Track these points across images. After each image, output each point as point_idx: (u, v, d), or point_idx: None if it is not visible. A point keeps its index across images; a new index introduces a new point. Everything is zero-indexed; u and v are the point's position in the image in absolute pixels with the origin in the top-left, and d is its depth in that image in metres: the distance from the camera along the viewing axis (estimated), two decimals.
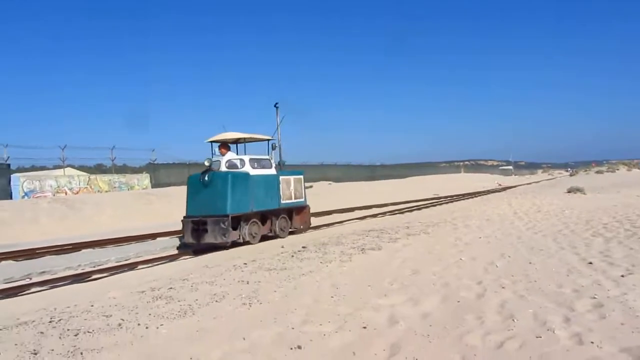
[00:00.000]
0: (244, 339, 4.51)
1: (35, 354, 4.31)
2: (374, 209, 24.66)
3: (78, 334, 4.82)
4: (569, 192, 22.27)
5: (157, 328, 4.95)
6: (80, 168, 33.41)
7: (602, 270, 6.36)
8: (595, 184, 29.82)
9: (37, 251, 12.68)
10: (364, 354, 4.07)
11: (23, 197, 26.25)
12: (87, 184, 30.24)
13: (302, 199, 14.87)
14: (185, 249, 12.64)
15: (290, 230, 14.43)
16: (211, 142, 13.51)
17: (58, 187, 28.51)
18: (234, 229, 12.02)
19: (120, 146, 38.48)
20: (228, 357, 4.15)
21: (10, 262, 11.55)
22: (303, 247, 9.90)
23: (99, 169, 34.80)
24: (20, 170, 29.83)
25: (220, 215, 11.83)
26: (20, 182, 26.83)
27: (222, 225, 11.68)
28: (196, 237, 12.05)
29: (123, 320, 5.22)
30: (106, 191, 30.36)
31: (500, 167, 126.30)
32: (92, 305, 5.94)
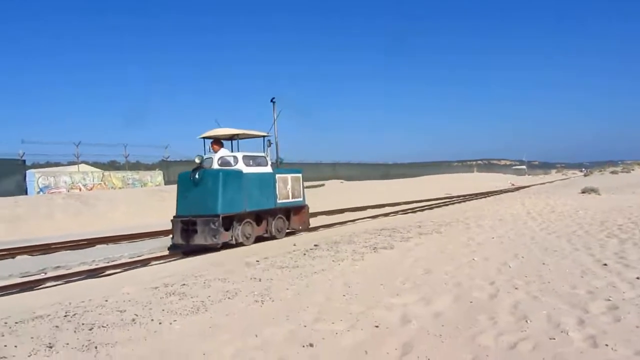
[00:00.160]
0: (256, 336, 4.53)
1: (51, 347, 4.37)
2: (386, 207, 24.62)
3: (92, 328, 4.87)
4: (583, 192, 22.05)
5: (171, 324, 4.99)
6: (94, 165, 33.76)
7: (617, 272, 6.29)
8: (610, 185, 29.50)
9: (52, 246, 12.85)
10: (376, 352, 4.08)
11: (38, 192, 26.57)
12: (101, 181, 30.54)
13: (301, 199, 14.25)
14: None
15: (287, 231, 13.89)
16: (204, 138, 12.94)
17: (72, 183, 28.82)
18: (226, 229, 11.47)
19: (133, 143, 38.69)
20: (240, 353, 4.17)
21: (26, 256, 11.72)
22: (315, 246, 9.92)
23: (113, 166, 35.12)
24: (36, 166, 30.20)
25: (211, 215, 11.23)
26: (35, 178, 27.17)
27: (213, 226, 11.10)
28: (185, 238, 11.52)
29: (137, 315, 5.27)
30: (119, 188, 30.63)
31: (514, 167, 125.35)
32: (106, 300, 6.00)
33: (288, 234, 13.79)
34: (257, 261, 8.41)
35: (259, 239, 12.70)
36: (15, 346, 4.38)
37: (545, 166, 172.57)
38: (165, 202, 24.43)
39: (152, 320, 5.11)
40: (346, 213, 21.87)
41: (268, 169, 13.09)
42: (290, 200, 13.74)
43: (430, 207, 24.05)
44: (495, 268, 6.94)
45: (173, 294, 6.22)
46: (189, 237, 11.40)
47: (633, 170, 55.32)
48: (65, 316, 5.34)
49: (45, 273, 9.59)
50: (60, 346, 4.39)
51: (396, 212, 21.55)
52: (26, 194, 25.97)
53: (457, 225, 12.61)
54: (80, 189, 28.65)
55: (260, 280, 6.78)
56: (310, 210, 21.29)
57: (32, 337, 4.61)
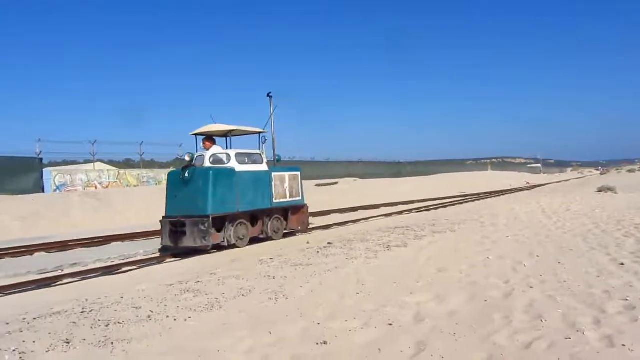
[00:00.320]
0: (270, 333, 4.56)
1: (68, 343, 4.43)
2: (399, 205, 24.55)
3: (109, 324, 4.94)
4: (599, 191, 21.79)
5: (185, 320, 5.04)
6: (110, 163, 34.10)
7: (634, 271, 6.21)
8: (627, 183, 29.07)
9: (69, 243, 13.01)
10: (389, 350, 4.07)
11: (55, 190, 26.91)
12: (117, 179, 30.84)
13: (299, 198, 13.50)
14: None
15: (285, 231, 13.20)
16: (195, 134, 12.24)
17: (88, 181, 29.15)
18: (218, 230, 10.90)
19: (148, 141, 39.04)
20: (254, 350, 4.20)
21: (43, 253, 11.88)
22: (329, 243, 9.94)
23: (128, 164, 35.46)
24: (52, 164, 30.61)
25: (200, 216, 10.61)
26: (52, 176, 27.52)
27: (202, 227, 10.50)
28: (174, 240, 10.94)
29: (152, 312, 5.33)
30: (135, 186, 30.90)
31: (529, 165, 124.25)
32: (122, 297, 6.07)
33: (286, 235, 13.20)
34: (271, 259, 8.45)
35: (255, 240, 12.17)
36: (34, 341, 4.46)
37: (561, 164, 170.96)
38: None
39: (167, 316, 5.16)
40: (359, 211, 21.85)
41: (263, 167, 12.47)
42: (288, 199, 13.07)
43: (444, 206, 23.92)
44: (510, 267, 6.89)
45: (188, 291, 6.28)
46: (177, 239, 10.90)
47: None
48: (82, 312, 5.41)
49: (62, 270, 9.70)
50: (77, 342, 4.45)
51: (410, 211, 21.47)
52: (43, 191, 26.31)
53: (471, 223, 12.54)
54: (96, 187, 28.97)
55: (274, 278, 6.81)
56: (324, 208, 21.39)
57: (49, 333, 4.69)
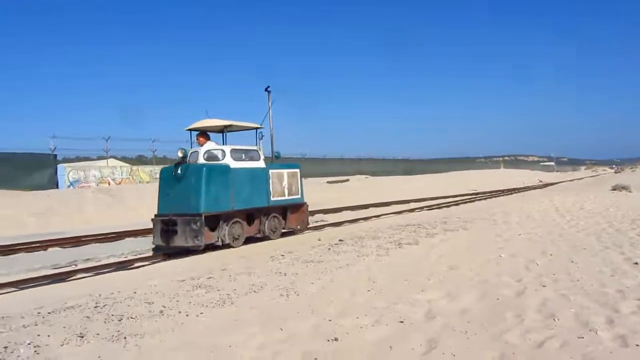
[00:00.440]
0: (281, 329, 4.58)
1: (82, 337, 4.49)
2: (411, 203, 24.46)
3: (122, 319, 4.99)
4: (613, 189, 21.56)
5: (197, 316, 5.08)
6: (123, 159, 34.39)
7: None
8: None
9: (83, 239, 13.14)
10: (400, 348, 4.07)
11: (69, 186, 27.21)
12: (129, 175, 31.10)
13: (299, 196, 12.99)
14: None
15: (284, 231, 12.73)
16: (190, 130, 11.70)
17: (101, 177, 29.44)
18: (212, 229, 10.48)
19: (161, 139, 39.35)
20: (266, 346, 4.22)
21: (57, 248, 12.01)
22: (340, 241, 9.94)
23: (140, 160, 35.76)
24: (66, 160, 30.97)
25: (192, 215, 10.21)
26: (66, 172, 27.84)
27: (194, 226, 10.09)
28: (165, 239, 10.53)
29: (164, 307, 5.38)
30: (147, 182, 31.13)
31: (541, 163, 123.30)
32: (134, 292, 6.13)
33: (285, 234, 12.77)
34: (282, 255, 8.47)
35: (256, 240, 11.80)
36: (48, 335, 4.51)
37: (574, 162, 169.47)
38: None
39: (180, 312, 5.20)
40: (370, 208, 21.80)
41: (260, 164, 12.00)
42: (287, 197, 12.58)
43: (456, 203, 23.80)
44: (523, 265, 6.86)
45: (199, 286, 6.32)
46: (169, 238, 10.48)
47: None
48: (95, 307, 5.47)
49: (76, 265, 9.81)
50: (91, 336, 4.50)
51: (421, 208, 21.41)
52: (57, 187, 26.62)
53: (483, 221, 12.48)
54: (109, 183, 29.24)
55: (285, 275, 6.83)
56: (334, 205, 21.39)
57: (64, 327, 4.75)
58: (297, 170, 13.08)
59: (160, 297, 5.85)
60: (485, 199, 27.38)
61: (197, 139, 11.52)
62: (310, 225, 14.19)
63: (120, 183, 29.68)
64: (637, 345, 3.77)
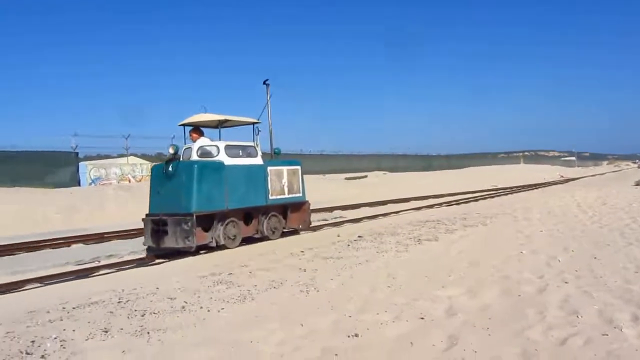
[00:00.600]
0: (301, 325, 4.60)
1: (106, 331, 4.57)
2: (430, 199, 24.35)
3: (145, 314, 5.06)
4: (637, 184, 21.20)
5: (218, 312, 5.12)
6: (142, 157, 34.77)
7: None
8: None
9: (105, 235, 13.36)
10: (421, 344, 4.07)
11: (90, 184, 27.66)
12: (149, 172, 31.43)
13: (300, 194, 12.38)
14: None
15: (284, 230, 12.14)
16: (183, 125, 11.11)
17: (122, 174, 29.86)
18: (205, 230, 9.99)
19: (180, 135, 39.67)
20: (286, 342, 4.24)
21: (81, 245, 12.24)
22: (359, 237, 9.95)
23: (160, 158, 36.01)
24: (88, 158, 31.43)
25: (183, 214, 9.69)
26: (87, 169, 28.31)
27: (184, 227, 9.57)
28: (156, 240, 10.04)
29: (186, 302, 5.44)
30: None
31: (562, 158, 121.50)
32: (157, 288, 6.21)
33: (285, 234, 12.17)
34: (302, 252, 8.50)
35: (255, 240, 11.37)
36: (74, 330, 4.60)
37: (596, 157, 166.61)
38: None
39: (201, 307, 5.26)
40: (389, 204, 21.75)
41: (258, 161, 11.35)
42: (287, 195, 11.95)
43: (476, 199, 23.62)
44: (544, 262, 6.79)
45: (220, 282, 6.38)
46: (159, 238, 9.99)
47: None
48: (118, 302, 5.56)
49: (99, 261, 9.96)
50: (115, 331, 4.58)
51: (440, 204, 21.28)
52: (79, 185, 27.06)
53: (503, 217, 12.37)
54: (129, 181, 29.63)
55: (305, 271, 6.86)
56: (353, 202, 21.39)
57: (88, 322, 4.83)
58: (298, 167, 12.49)
59: (182, 292, 5.92)
60: (505, 194, 27.13)
61: (190, 135, 11.02)
62: (329, 222, 14.19)
63: (140, 180, 30.05)
64: None
